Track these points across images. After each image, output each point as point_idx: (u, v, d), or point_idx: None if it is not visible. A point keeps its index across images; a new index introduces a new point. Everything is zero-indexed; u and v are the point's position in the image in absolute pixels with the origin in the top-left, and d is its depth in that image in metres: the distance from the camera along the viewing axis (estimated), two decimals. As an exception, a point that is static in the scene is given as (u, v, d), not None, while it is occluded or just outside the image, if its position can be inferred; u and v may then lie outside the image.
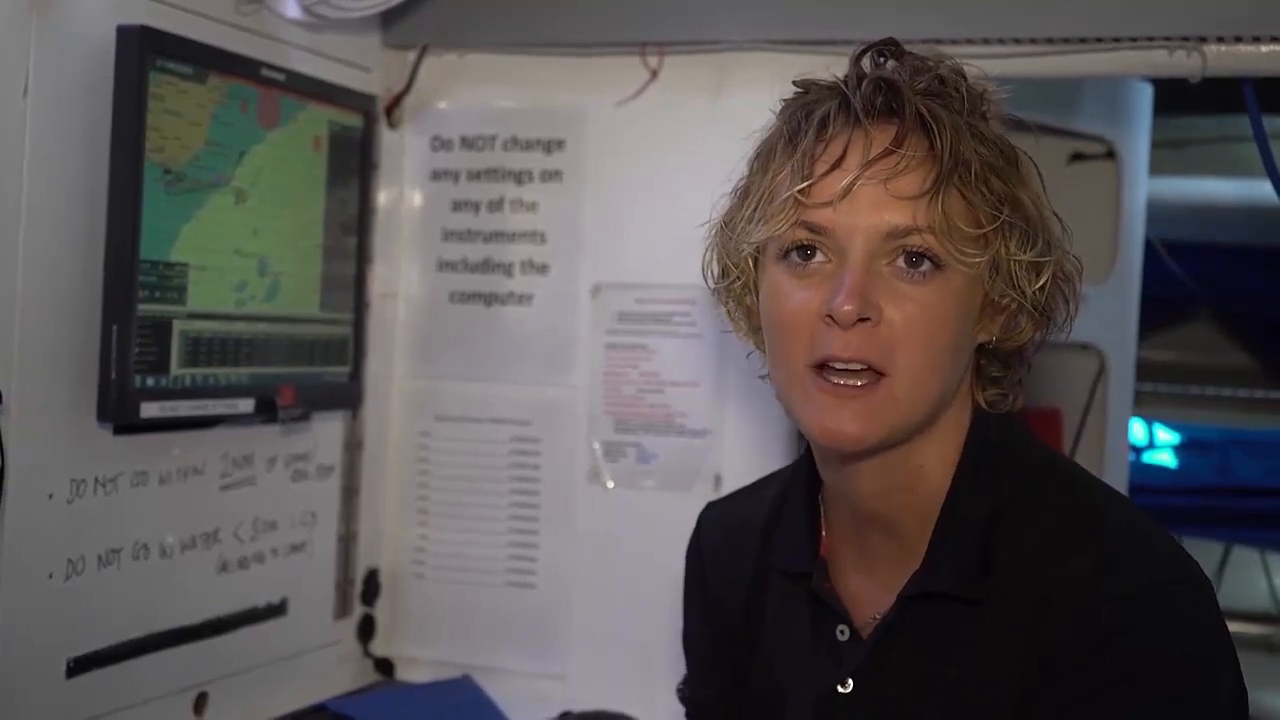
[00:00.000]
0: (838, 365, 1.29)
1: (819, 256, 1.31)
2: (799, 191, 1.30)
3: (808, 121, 1.33)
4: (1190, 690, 1.25)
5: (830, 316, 1.27)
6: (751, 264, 1.40)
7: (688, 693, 1.66)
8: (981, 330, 1.36)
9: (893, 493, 1.38)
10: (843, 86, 1.34)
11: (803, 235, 1.31)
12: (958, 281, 1.30)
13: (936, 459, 1.37)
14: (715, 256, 1.45)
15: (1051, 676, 1.27)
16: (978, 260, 1.29)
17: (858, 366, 1.28)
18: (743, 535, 1.56)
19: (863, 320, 1.27)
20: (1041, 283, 1.34)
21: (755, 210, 1.35)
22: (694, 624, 1.64)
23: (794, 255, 1.32)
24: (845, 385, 1.29)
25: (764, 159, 1.38)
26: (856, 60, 1.36)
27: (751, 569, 1.53)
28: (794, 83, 1.40)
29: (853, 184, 1.28)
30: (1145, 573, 1.28)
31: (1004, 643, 1.30)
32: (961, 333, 1.33)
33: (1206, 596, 1.29)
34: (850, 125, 1.31)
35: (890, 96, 1.31)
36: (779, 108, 1.41)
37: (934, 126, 1.29)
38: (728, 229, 1.42)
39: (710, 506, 1.67)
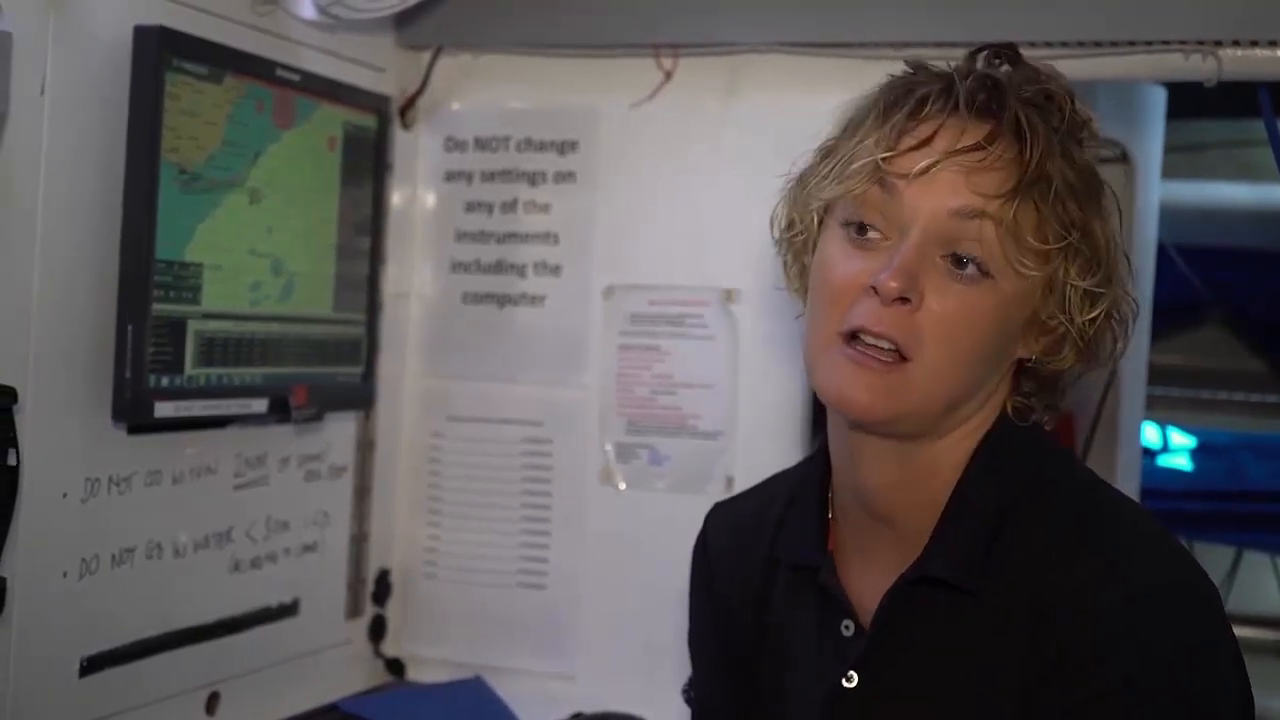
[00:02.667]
0: (867, 338, 1.29)
1: (875, 234, 1.32)
2: (881, 159, 1.31)
3: (906, 98, 1.34)
4: (1192, 696, 1.24)
5: (874, 288, 1.28)
6: (816, 222, 1.41)
7: (693, 694, 1.66)
8: (1023, 346, 1.36)
9: (902, 488, 1.38)
10: (953, 75, 1.35)
11: (873, 197, 1.33)
12: (1008, 291, 1.30)
13: (952, 460, 1.37)
14: (785, 209, 1.46)
15: (1053, 680, 1.27)
16: (1033, 273, 1.30)
17: (885, 344, 1.29)
18: (751, 533, 1.56)
19: (903, 301, 1.28)
20: (1094, 314, 1.34)
21: (833, 170, 1.36)
22: (700, 625, 1.64)
23: (854, 229, 1.34)
24: (868, 355, 1.29)
25: (853, 124, 1.39)
26: (972, 56, 1.38)
27: (760, 566, 1.53)
28: (906, 61, 1.41)
29: (933, 165, 1.29)
30: (1148, 578, 1.27)
31: (1008, 642, 1.30)
32: (997, 342, 1.33)
33: (1211, 603, 1.29)
34: (946, 112, 1.32)
35: (994, 96, 1.32)
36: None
37: (1028, 134, 1.30)
38: (801, 184, 1.43)
39: (718, 507, 1.67)
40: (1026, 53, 1.83)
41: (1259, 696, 1.33)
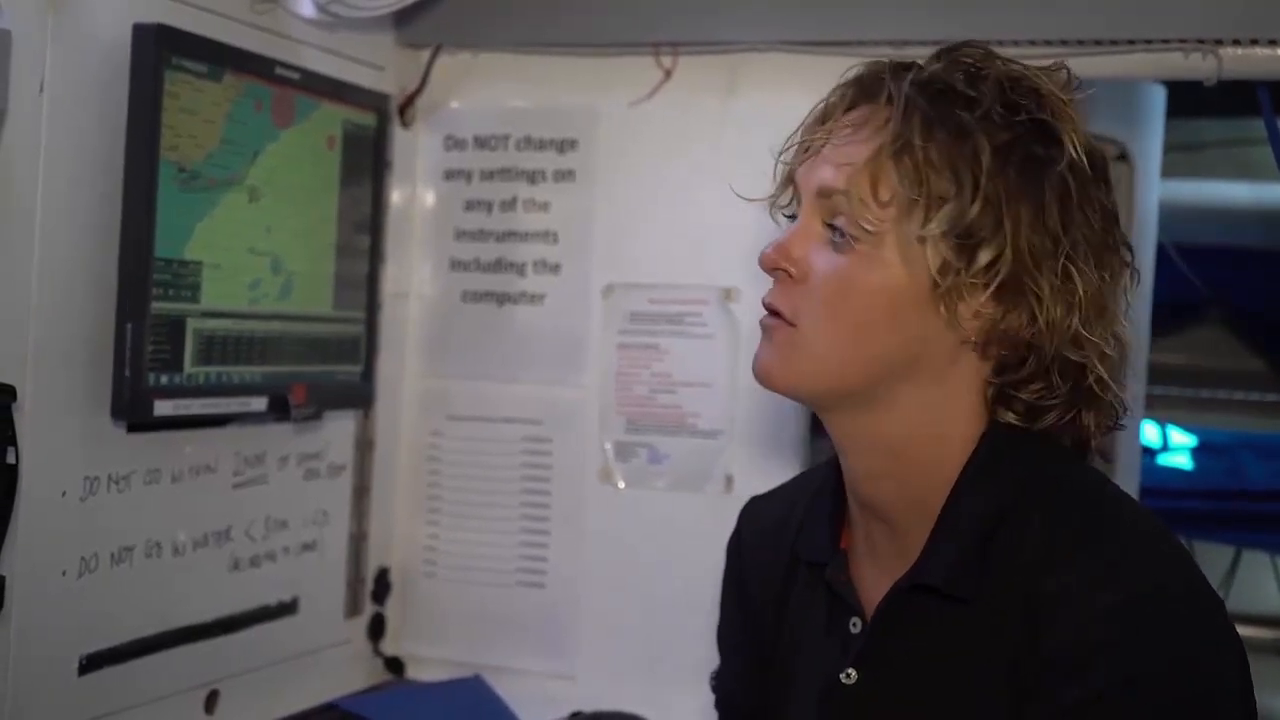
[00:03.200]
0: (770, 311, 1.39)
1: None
2: (791, 151, 1.41)
3: (826, 99, 1.41)
4: (1186, 704, 1.22)
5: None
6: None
7: (717, 684, 1.66)
8: (952, 323, 1.32)
9: (880, 479, 1.38)
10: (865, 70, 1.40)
11: (789, 193, 1.42)
12: (883, 256, 1.31)
13: (916, 448, 1.36)
14: None
15: (1045, 684, 1.25)
16: (874, 228, 1.30)
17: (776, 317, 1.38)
18: (780, 527, 1.56)
19: (785, 273, 1.36)
20: (984, 263, 1.29)
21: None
22: (729, 618, 1.65)
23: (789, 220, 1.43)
24: (767, 322, 1.39)
25: None
26: (934, 56, 1.39)
27: (784, 563, 1.54)
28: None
29: (811, 146, 1.37)
30: (1140, 586, 1.25)
31: (998, 647, 1.29)
32: (886, 308, 1.32)
33: (1208, 608, 1.27)
34: (845, 102, 1.38)
35: (876, 79, 1.36)
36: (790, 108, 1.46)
37: (897, 106, 1.32)
38: None
39: (752, 502, 1.67)
40: (1025, 51, 1.83)
41: (1259, 696, 1.32)
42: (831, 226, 1.34)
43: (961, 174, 1.29)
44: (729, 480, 2.17)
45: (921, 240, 1.30)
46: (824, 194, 1.34)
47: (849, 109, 1.37)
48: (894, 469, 1.37)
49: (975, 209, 1.29)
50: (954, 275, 1.30)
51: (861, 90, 1.37)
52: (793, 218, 1.41)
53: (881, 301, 1.32)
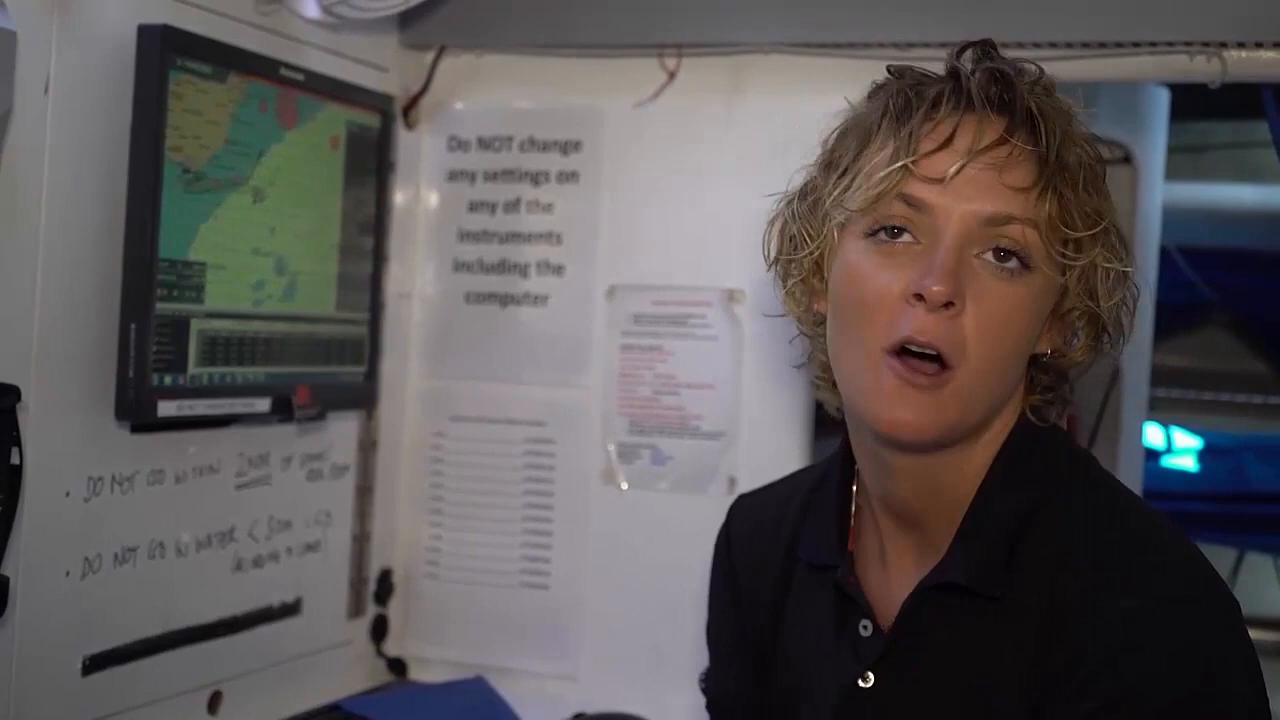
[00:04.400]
0: (914, 349, 1.27)
1: (907, 237, 1.30)
2: (910, 164, 1.29)
3: (918, 100, 1.32)
4: (1200, 711, 1.22)
5: (919, 295, 1.25)
6: (836, 236, 1.37)
7: (708, 685, 1.66)
8: (1044, 340, 1.35)
9: (931, 495, 1.37)
10: (958, 71, 1.34)
11: (899, 211, 1.29)
12: (1040, 284, 1.30)
13: (977, 465, 1.36)
14: (781, 230, 1.43)
15: (1062, 689, 1.26)
16: (1074, 263, 1.30)
17: (931, 353, 1.26)
18: (773, 527, 1.55)
19: (949, 306, 1.26)
20: (1119, 297, 1.34)
21: (852, 181, 1.33)
22: (719, 615, 1.63)
23: (882, 233, 1.31)
24: (915, 374, 1.27)
25: (862, 133, 1.36)
26: (958, 55, 1.36)
27: (780, 561, 1.53)
28: (890, 69, 1.39)
29: (961, 167, 1.28)
30: (1160, 590, 1.26)
31: (1020, 646, 1.29)
32: (1030, 339, 1.33)
33: (1226, 615, 1.27)
34: (960, 110, 1.30)
35: (1003, 88, 1.31)
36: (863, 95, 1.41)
37: (1041, 124, 1.29)
38: (804, 200, 1.41)
39: (742, 498, 1.67)
40: (1029, 54, 1.83)
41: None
42: (1003, 254, 1.28)
43: (1103, 204, 1.32)
44: (732, 482, 2.17)
45: (1096, 272, 1.32)
46: (996, 221, 1.27)
47: (958, 114, 1.30)
48: (943, 486, 1.37)
49: (1113, 236, 1.32)
50: (1093, 302, 1.33)
51: (984, 98, 1.31)
52: (894, 235, 1.30)
53: (1031, 330, 1.32)
